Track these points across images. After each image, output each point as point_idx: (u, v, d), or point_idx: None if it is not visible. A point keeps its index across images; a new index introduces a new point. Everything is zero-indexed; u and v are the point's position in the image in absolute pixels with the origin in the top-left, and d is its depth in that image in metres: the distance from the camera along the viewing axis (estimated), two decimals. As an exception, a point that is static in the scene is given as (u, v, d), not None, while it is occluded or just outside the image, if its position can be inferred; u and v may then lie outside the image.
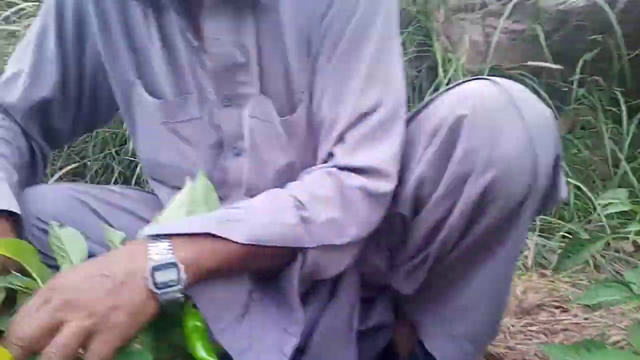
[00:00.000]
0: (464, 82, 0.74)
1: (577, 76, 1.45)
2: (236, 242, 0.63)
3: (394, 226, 0.79)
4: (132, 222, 0.78)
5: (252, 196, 0.73)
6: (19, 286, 0.57)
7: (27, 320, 0.52)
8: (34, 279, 0.58)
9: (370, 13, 0.72)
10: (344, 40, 0.72)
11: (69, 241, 0.63)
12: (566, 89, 1.50)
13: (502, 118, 0.67)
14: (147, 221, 0.77)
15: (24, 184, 0.78)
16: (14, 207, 0.67)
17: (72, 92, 0.84)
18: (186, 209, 0.67)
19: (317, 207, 0.69)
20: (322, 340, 0.78)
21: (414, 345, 0.92)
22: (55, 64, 0.82)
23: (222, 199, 0.78)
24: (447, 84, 1.43)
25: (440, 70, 1.43)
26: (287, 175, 0.76)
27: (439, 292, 0.83)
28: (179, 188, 0.73)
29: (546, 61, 1.38)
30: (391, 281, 0.85)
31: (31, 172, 0.85)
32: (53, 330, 0.52)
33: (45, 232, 0.68)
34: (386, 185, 0.72)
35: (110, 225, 0.73)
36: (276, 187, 0.74)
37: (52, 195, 0.77)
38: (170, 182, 0.82)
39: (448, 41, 1.54)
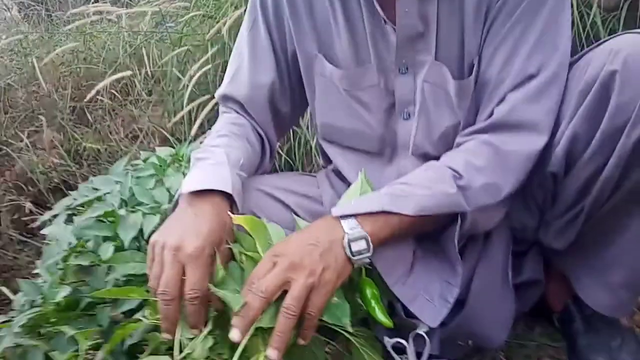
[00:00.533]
0: (612, 37, 0.76)
1: None
2: (406, 215, 0.74)
3: (545, 184, 0.84)
4: (302, 202, 0.91)
5: (418, 156, 0.85)
6: (246, 254, 0.73)
7: (263, 282, 0.66)
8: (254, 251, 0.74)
9: None
10: (519, 11, 0.77)
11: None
12: None
13: None
14: (314, 199, 0.93)
15: (253, 171, 0.91)
16: (227, 187, 0.75)
17: (284, 74, 0.93)
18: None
19: (473, 175, 0.77)
20: (480, 291, 0.86)
21: (566, 301, 0.97)
22: (268, 50, 0.91)
23: (390, 160, 0.89)
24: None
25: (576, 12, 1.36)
26: (451, 136, 0.84)
27: (592, 244, 0.86)
28: (350, 148, 0.90)
29: None
30: (542, 237, 0.90)
31: (261, 161, 0.95)
32: (283, 286, 0.67)
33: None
34: (538, 142, 0.78)
35: (294, 211, 0.88)
36: (440, 147, 0.84)
37: (247, 190, 0.85)
38: (343, 143, 0.93)
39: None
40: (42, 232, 1.10)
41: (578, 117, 0.75)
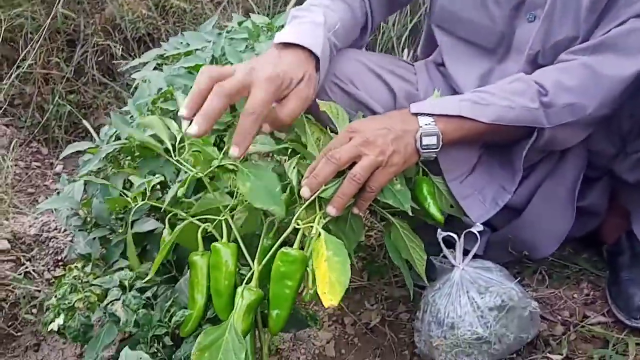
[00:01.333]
0: None
1: None
2: (482, 122, 0.76)
3: (636, 114, 0.82)
4: (401, 85, 0.92)
5: (530, 62, 0.84)
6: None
7: (337, 151, 0.71)
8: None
9: None
10: None
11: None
12: None
13: None
14: (412, 83, 0.94)
15: (349, 41, 0.90)
16: (315, 48, 0.75)
17: None
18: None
19: (560, 94, 0.77)
20: (542, 202, 0.89)
21: (620, 235, 0.98)
22: None
23: (500, 60, 0.89)
24: None
25: None
26: (562, 48, 0.82)
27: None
28: (465, 39, 0.90)
29: None
30: (616, 166, 0.89)
31: (360, 34, 0.94)
32: (355, 158, 0.71)
33: (340, 88, 0.85)
34: (633, 67, 0.76)
35: (392, 90, 0.89)
36: (551, 56, 0.83)
37: (347, 59, 0.88)
38: (459, 33, 0.91)
39: None
40: (132, 76, 1.17)
41: None
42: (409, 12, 1.70)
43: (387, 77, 0.90)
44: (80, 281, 0.80)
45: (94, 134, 1.49)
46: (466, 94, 0.82)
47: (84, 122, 1.55)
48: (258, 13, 1.81)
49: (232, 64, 0.96)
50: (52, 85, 1.81)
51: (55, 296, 0.78)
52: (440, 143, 0.76)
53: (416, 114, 0.77)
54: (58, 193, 1.11)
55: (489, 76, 0.89)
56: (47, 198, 1.51)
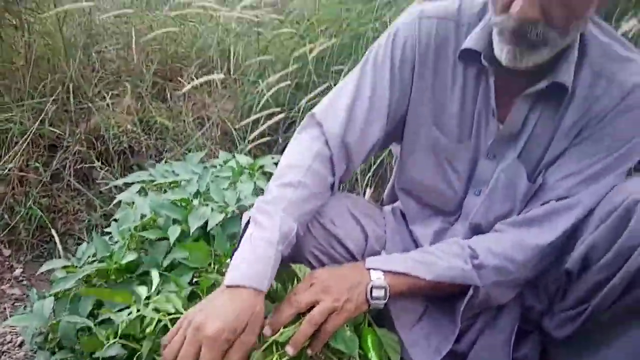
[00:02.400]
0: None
1: None
2: (425, 279, 0.90)
3: (559, 279, 0.96)
4: (374, 228, 1.04)
5: (472, 228, 0.99)
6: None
7: (299, 296, 0.83)
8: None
9: (630, 141, 0.90)
10: (599, 145, 0.91)
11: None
12: None
13: None
14: (382, 227, 1.06)
15: (314, 211, 0.95)
16: (262, 285, 0.81)
17: (390, 127, 1.00)
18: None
19: (489, 258, 0.92)
20: (482, 350, 1.00)
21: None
22: (386, 100, 0.97)
23: (452, 223, 1.03)
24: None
25: None
26: (499, 219, 0.97)
27: (589, 342, 0.97)
28: (428, 204, 1.04)
29: None
30: (545, 323, 1.01)
31: (328, 194, 0.98)
32: (314, 302, 0.83)
33: (321, 224, 0.96)
34: (548, 238, 0.92)
35: (363, 228, 1.01)
36: (490, 225, 0.98)
37: (332, 200, 0.98)
38: (421, 197, 1.06)
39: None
40: (118, 197, 1.25)
41: (600, 230, 0.88)
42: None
43: (363, 220, 1.03)
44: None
45: (59, 243, 1.55)
46: (413, 252, 0.97)
47: (53, 232, 1.60)
48: (237, 136, 1.97)
49: (215, 201, 1.07)
50: (27, 188, 1.85)
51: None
52: (388, 295, 0.89)
53: (369, 269, 0.90)
54: (25, 307, 1.12)
55: (443, 234, 1.04)
56: (3, 302, 1.50)
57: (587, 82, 0.90)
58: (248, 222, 0.89)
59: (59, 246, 1.57)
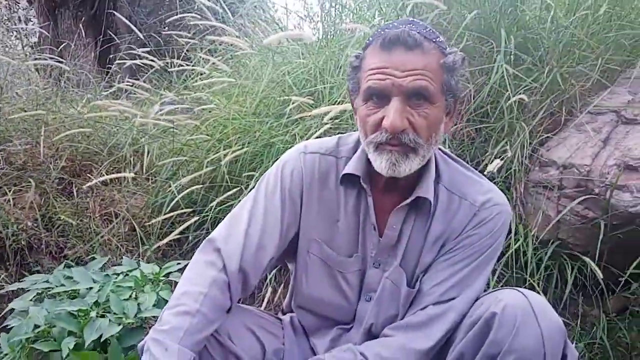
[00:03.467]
0: (501, 288, 1.05)
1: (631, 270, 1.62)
2: None
3: None
4: (271, 340, 1.09)
5: (365, 332, 1.08)
6: None
7: None
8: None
9: (488, 248, 1.05)
10: (462, 254, 1.05)
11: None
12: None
13: (521, 319, 0.94)
14: (279, 338, 1.11)
15: (209, 335, 0.98)
16: None
17: (281, 249, 1.07)
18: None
19: None
20: None
21: None
22: (278, 225, 1.06)
23: (348, 331, 1.11)
24: (515, 252, 1.68)
25: (513, 237, 1.68)
26: (389, 322, 1.07)
27: None
28: (325, 316, 1.12)
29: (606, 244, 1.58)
30: None
31: (225, 317, 1.02)
32: None
33: (218, 341, 1.00)
34: (428, 343, 1.02)
35: (260, 341, 1.06)
36: (381, 328, 1.06)
37: (229, 316, 1.02)
38: (317, 311, 1.13)
39: (523, 210, 1.79)
40: (10, 305, 1.21)
41: (466, 340, 1.00)
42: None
43: (260, 334, 1.07)
44: None
45: None
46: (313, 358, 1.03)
47: None
48: (144, 236, 1.97)
49: (114, 312, 1.08)
50: None
51: None
52: None
53: None
54: None
55: (338, 340, 1.12)
56: None
57: (444, 199, 1.07)
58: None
59: None
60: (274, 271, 1.81)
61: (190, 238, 2.01)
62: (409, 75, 0.93)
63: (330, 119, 1.73)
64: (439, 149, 1.10)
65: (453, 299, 1.04)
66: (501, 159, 1.61)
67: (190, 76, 2.65)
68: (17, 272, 1.85)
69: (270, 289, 1.80)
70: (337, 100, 1.96)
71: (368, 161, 1.03)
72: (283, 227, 1.07)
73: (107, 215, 2.12)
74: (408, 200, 1.05)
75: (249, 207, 1.08)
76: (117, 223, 2.05)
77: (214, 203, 1.88)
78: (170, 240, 1.84)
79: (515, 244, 1.68)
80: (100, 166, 2.17)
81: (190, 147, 2.15)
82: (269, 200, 1.08)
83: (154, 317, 1.02)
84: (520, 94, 1.77)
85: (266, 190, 1.09)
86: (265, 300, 1.74)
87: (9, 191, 1.96)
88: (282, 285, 1.84)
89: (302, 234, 1.10)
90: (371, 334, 1.09)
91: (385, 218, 1.07)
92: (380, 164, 0.98)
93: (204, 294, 0.96)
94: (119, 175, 1.99)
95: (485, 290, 1.08)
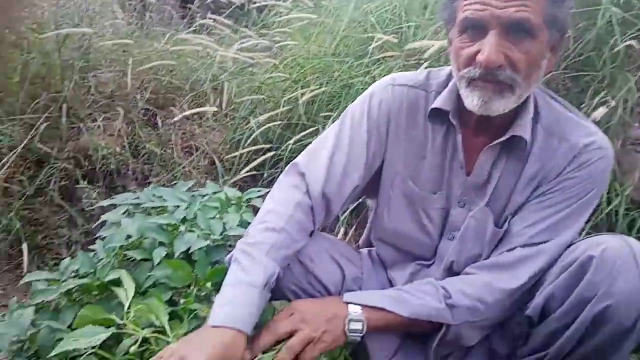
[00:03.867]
0: (598, 234, 0.99)
1: None
2: (400, 315, 0.96)
3: (522, 324, 1.04)
4: (351, 269, 1.10)
5: (446, 270, 1.06)
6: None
7: (279, 324, 0.88)
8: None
9: (587, 193, 0.99)
10: (559, 197, 1.00)
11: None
12: None
13: (621, 264, 0.89)
14: (359, 268, 1.12)
15: (294, 254, 1.00)
16: (245, 327, 0.85)
17: (366, 179, 1.07)
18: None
19: (461, 298, 0.99)
20: None
21: None
22: (363, 154, 1.05)
23: (427, 267, 1.10)
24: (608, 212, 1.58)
25: (605, 196, 1.58)
26: (472, 261, 1.05)
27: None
28: (405, 251, 1.11)
29: None
30: (510, 365, 1.08)
31: (308, 239, 1.04)
32: (293, 331, 0.88)
33: (300, 262, 1.02)
34: (516, 283, 0.99)
35: (340, 268, 1.07)
36: (463, 267, 1.05)
37: (312, 240, 1.05)
38: (397, 245, 1.13)
39: (619, 168, 1.67)
40: (103, 217, 1.29)
41: (558, 282, 0.96)
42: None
43: (340, 261, 1.09)
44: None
45: (26, 256, 1.57)
46: (389, 290, 1.03)
47: (24, 245, 1.62)
48: (223, 169, 2.03)
49: (201, 228, 1.12)
50: (9, 199, 1.87)
51: None
52: (365, 328, 0.94)
53: (347, 303, 0.96)
54: (3, 315, 1.14)
55: (417, 275, 1.11)
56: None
57: (542, 139, 1.01)
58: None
59: (25, 259, 1.61)
60: (345, 213, 1.81)
61: (265, 175, 2.05)
62: (509, 5, 0.86)
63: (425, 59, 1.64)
64: (540, 87, 1.02)
65: (544, 242, 0.99)
66: (606, 107, 1.49)
67: (270, 12, 2.63)
68: (105, 193, 1.96)
69: (342, 230, 1.82)
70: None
71: (459, 97, 0.98)
72: (369, 156, 1.06)
73: (187, 148, 2.20)
74: (502, 139, 0.99)
75: (334, 135, 1.07)
76: (197, 156, 2.12)
77: (291, 141, 1.90)
78: (246, 177, 1.88)
79: (607, 204, 1.58)
80: (182, 100, 2.23)
81: (267, 86, 2.15)
82: (355, 130, 1.06)
83: (238, 235, 1.04)
84: (628, 40, 1.61)
85: (352, 120, 1.07)
86: (347, 236, 1.75)
87: (99, 118, 2.06)
88: (353, 228, 1.84)
89: (387, 166, 1.08)
90: (452, 272, 1.07)
91: (474, 157, 1.03)
92: (472, 101, 0.93)
93: (289, 214, 0.98)
94: (200, 109, 2.04)
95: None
